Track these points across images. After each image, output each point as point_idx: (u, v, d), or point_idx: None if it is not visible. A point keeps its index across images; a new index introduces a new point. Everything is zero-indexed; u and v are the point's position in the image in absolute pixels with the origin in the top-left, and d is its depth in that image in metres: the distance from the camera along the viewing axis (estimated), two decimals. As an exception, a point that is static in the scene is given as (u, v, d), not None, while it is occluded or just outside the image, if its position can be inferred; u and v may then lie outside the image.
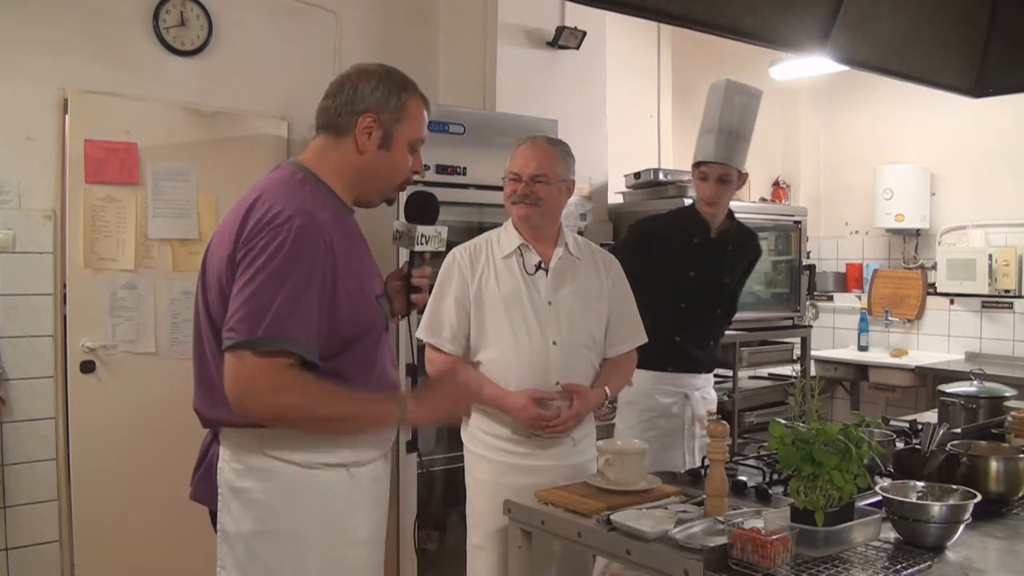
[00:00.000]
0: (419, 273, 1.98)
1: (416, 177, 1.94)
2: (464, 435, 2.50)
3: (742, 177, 3.03)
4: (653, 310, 2.83)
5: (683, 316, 2.95)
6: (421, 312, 2.50)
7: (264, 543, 1.69)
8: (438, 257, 2.36)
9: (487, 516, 2.35)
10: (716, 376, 4.57)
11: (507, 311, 2.38)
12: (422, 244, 1.95)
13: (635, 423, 2.94)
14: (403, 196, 2.00)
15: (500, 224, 2.55)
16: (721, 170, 2.94)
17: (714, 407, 3.10)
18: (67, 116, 3.26)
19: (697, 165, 2.99)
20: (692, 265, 2.96)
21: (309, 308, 1.62)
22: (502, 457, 2.37)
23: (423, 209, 1.99)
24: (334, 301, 1.67)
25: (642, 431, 2.87)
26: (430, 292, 2.42)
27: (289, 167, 1.79)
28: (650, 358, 2.86)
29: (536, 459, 2.36)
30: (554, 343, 2.38)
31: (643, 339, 2.60)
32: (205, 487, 1.77)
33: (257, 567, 1.69)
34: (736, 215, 3.16)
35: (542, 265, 2.43)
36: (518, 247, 2.43)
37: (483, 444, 2.41)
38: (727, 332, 4.42)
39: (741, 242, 3.12)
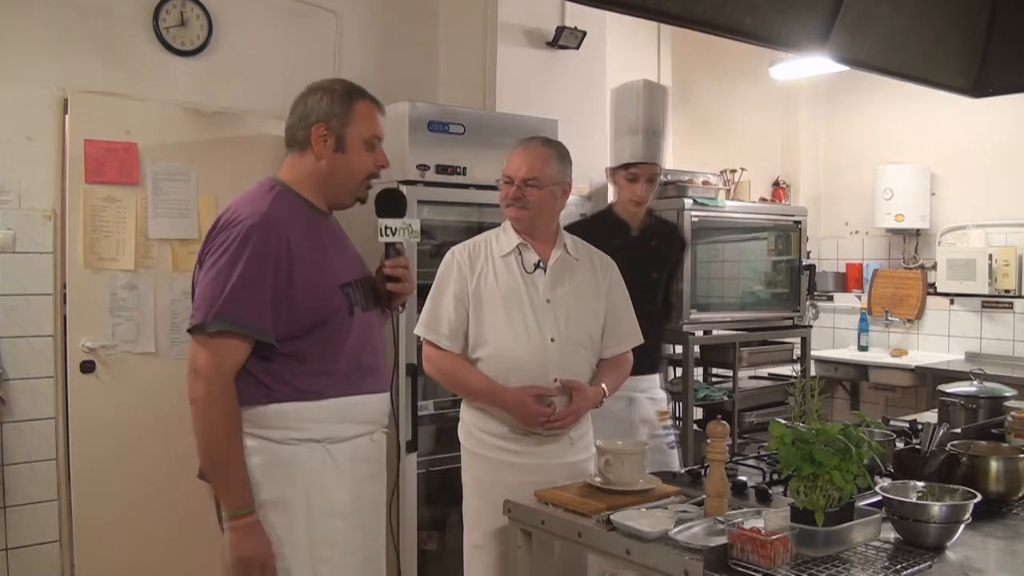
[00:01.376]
0: (392, 263, 2.11)
1: (384, 170, 2.10)
2: (461, 434, 2.50)
3: (662, 173, 3.13)
4: None
5: None
6: (420, 308, 2.51)
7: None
8: (436, 258, 2.40)
9: (485, 515, 2.35)
10: (715, 376, 4.61)
11: (506, 308, 2.38)
12: (387, 236, 2.11)
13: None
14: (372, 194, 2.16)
15: (500, 224, 2.56)
16: (651, 170, 3.01)
17: (664, 406, 3.11)
18: (67, 116, 3.26)
19: (625, 167, 3.04)
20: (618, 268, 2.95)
21: (259, 294, 1.81)
22: (499, 455, 2.37)
23: (387, 204, 2.15)
24: (291, 289, 1.85)
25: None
26: (426, 292, 2.47)
27: (266, 180, 2.01)
28: None
29: (533, 457, 2.36)
30: (552, 340, 2.38)
31: (639, 340, 2.60)
32: None
33: None
34: (735, 214, 3.17)
35: (540, 264, 2.44)
36: (516, 246, 2.44)
37: (480, 442, 2.41)
38: (727, 332, 4.46)
39: (664, 236, 3.15)
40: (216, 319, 1.78)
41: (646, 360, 2.99)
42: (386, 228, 2.10)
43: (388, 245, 2.11)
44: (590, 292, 2.49)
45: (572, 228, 3.10)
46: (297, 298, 1.86)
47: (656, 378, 3.11)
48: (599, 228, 3.00)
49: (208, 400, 1.81)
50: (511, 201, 2.44)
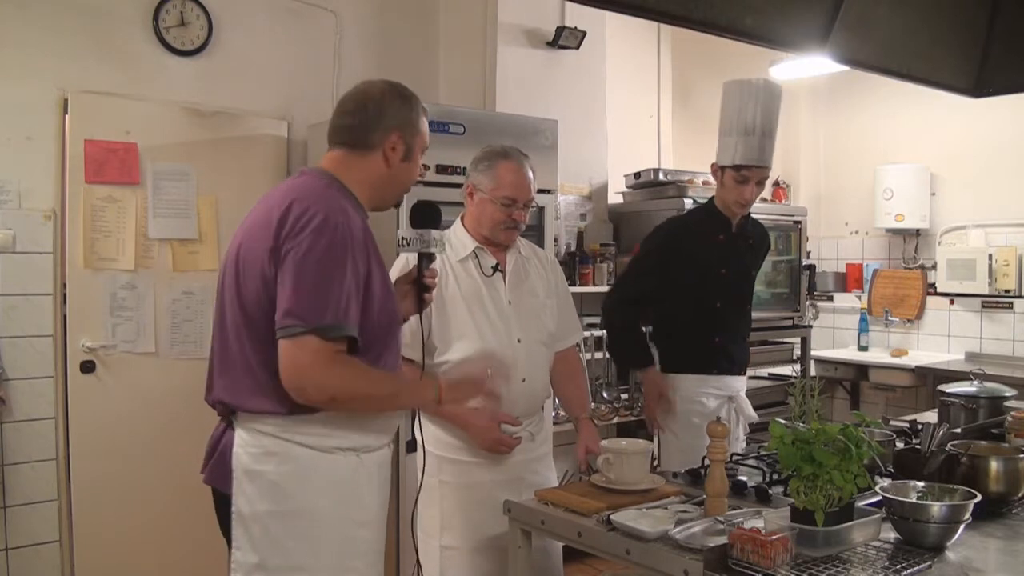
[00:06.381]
0: (431, 273, 2.10)
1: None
2: (425, 439, 2.45)
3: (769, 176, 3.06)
4: (690, 312, 2.89)
5: (719, 316, 2.94)
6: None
7: (279, 523, 1.78)
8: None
9: (459, 515, 2.35)
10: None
11: (470, 311, 2.37)
12: (436, 247, 2.08)
13: (682, 434, 2.89)
14: (406, 204, 2.15)
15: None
16: (762, 173, 2.92)
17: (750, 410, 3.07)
18: (67, 116, 3.27)
19: (736, 168, 2.90)
20: (723, 263, 2.95)
21: (354, 298, 1.76)
22: (469, 457, 2.37)
23: (432, 216, 2.11)
24: (368, 294, 1.80)
25: (691, 440, 2.78)
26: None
27: (317, 173, 1.90)
28: (692, 361, 2.90)
29: (501, 456, 2.37)
30: (519, 341, 2.39)
31: (580, 336, 2.68)
32: (220, 472, 1.84)
33: (272, 546, 1.78)
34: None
35: (499, 267, 2.43)
36: (473, 250, 2.42)
37: (449, 446, 2.40)
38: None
39: (757, 235, 3.13)
40: (333, 323, 1.71)
41: (742, 360, 3.04)
42: (435, 240, 2.07)
43: (424, 255, 2.08)
44: (543, 290, 2.52)
45: (676, 221, 3.15)
46: (371, 304, 1.81)
47: (746, 379, 3.10)
48: (704, 221, 3.01)
49: (344, 384, 1.76)
50: (514, 224, 2.40)
